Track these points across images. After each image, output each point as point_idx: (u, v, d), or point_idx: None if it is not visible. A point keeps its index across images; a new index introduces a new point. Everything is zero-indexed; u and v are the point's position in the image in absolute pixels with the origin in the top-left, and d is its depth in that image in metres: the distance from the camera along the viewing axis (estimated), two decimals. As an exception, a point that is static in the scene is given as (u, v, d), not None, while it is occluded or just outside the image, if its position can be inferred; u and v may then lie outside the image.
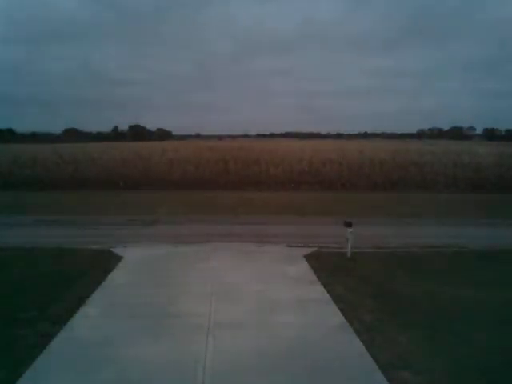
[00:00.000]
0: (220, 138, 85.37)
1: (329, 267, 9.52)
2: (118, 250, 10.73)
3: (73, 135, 77.68)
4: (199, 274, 8.98)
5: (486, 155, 28.38)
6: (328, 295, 7.79)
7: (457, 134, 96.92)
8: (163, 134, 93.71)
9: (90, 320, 6.74)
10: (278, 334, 6.27)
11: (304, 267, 9.51)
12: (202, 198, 20.68)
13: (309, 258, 10.21)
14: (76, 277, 8.70)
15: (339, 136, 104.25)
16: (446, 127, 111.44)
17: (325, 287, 8.20)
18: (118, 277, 8.80)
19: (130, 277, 8.84)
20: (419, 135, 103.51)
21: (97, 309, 7.18)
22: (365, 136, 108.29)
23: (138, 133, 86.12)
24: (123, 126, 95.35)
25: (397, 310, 7.22)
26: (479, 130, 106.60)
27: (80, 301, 7.42)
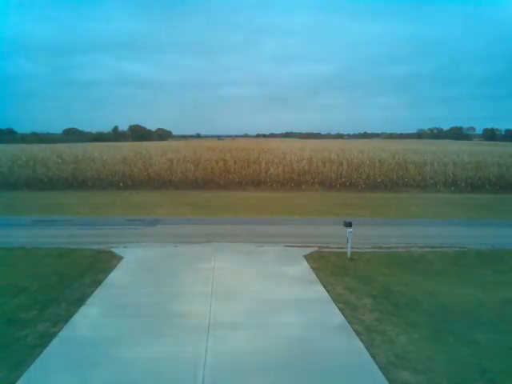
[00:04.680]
0: (219, 138, 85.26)
1: (329, 267, 9.52)
2: (118, 250, 10.74)
3: (73, 135, 77.63)
4: (199, 274, 8.98)
5: (486, 154, 28.37)
6: (328, 295, 7.80)
7: (457, 134, 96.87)
8: (163, 134, 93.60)
9: (90, 320, 6.74)
10: (278, 334, 6.27)
11: (304, 267, 9.51)
12: (201, 197, 20.68)
13: (309, 258, 10.22)
14: (76, 277, 8.71)
15: (339, 136, 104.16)
16: (445, 127, 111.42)
17: (325, 287, 8.20)
18: (118, 277, 8.80)
19: (130, 277, 8.84)
20: (419, 135, 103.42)
21: (97, 309, 7.18)
22: (365, 136, 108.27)
23: (138, 133, 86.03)
24: (123, 126, 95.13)
25: (397, 309, 7.22)
26: (479, 130, 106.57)
27: (80, 301, 7.43)
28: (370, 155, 27.22)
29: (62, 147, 32.39)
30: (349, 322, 6.65)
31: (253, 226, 14.11)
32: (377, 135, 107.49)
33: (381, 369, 5.31)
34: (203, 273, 9.01)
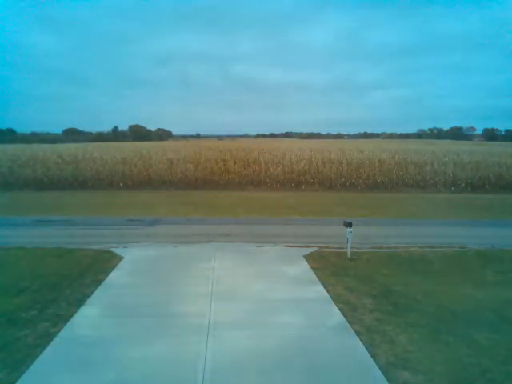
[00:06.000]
0: (219, 138, 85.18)
1: (329, 267, 9.52)
2: (118, 250, 10.74)
3: (73, 135, 77.58)
4: (199, 273, 8.98)
5: (486, 155, 28.39)
6: (328, 295, 7.80)
7: (457, 134, 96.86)
8: (163, 134, 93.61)
9: (90, 320, 6.74)
10: (278, 333, 6.27)
11: (304, 267, 9.51)
12: (201, 197, 20.69)
13: (309, 257, 10.21)
14: (76, 277, 8.71)
15: (339, 136, 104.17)
16: (446, 127, 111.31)
17: (325, 287, 8.20)
18: (118, 277, 8.80)
19: (130, 277, 8.84)
20: (419, 135, 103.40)
21: (97, 309, 7.18)
22: (365, 136, 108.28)
23: (138, 133, 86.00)
24: (123, 126, 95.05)
25: (397, 309, 7.22)
26: (479, 130, 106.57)
27: (80, 301, 7.43)
28: (369, 155, 27.25)
29: (61, 147, 32.44)
30: (349, 322, 6.65)
31: (253, 225, 14.11)
32: (377, 135, 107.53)
33: (381, 369, 5.31)
34: (203, 273, 9.01)
